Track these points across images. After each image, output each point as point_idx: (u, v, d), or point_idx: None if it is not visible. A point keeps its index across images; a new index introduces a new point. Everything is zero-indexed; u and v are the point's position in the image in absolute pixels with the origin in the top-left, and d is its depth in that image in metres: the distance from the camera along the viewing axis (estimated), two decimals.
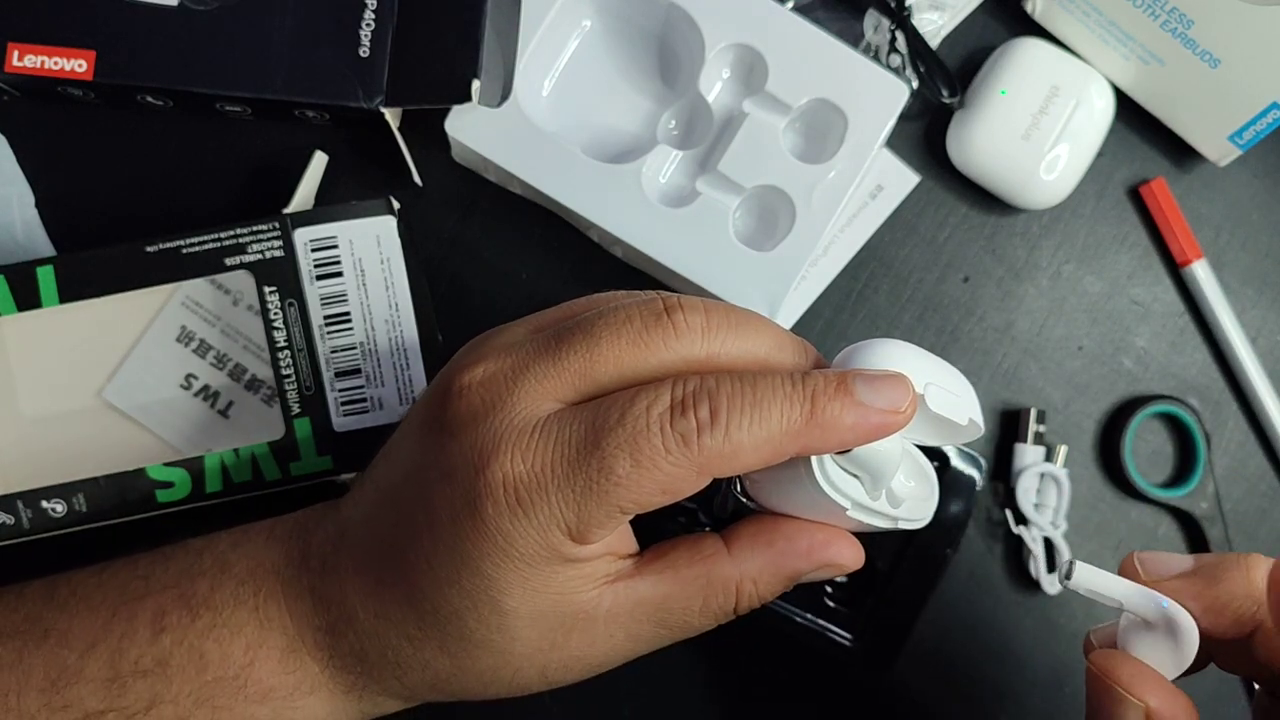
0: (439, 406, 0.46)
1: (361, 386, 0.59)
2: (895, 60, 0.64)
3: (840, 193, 0.61)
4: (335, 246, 0.59)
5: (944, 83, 0.64)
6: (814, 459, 0.44)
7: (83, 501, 0.58)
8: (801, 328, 0.65)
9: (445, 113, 0.60)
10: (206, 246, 0.58)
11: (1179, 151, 0.67)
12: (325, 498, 0.53)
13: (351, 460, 0.59)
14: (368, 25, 0.60)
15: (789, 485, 0.46)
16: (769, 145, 0.61)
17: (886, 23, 0.64)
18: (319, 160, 0.62)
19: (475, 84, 0.57)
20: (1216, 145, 0.64)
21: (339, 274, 0.59)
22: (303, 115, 0.62)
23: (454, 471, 0.44)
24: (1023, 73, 0.64)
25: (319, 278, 0.59)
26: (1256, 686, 0.49)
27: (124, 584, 0.50)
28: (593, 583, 0.46)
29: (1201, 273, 0.66)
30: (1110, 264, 0.67)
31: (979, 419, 0.46)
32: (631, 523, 0.47)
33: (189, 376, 0.59)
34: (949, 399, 0.45)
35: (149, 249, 0.58)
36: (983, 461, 0.59)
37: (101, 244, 0.59)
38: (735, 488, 0.50)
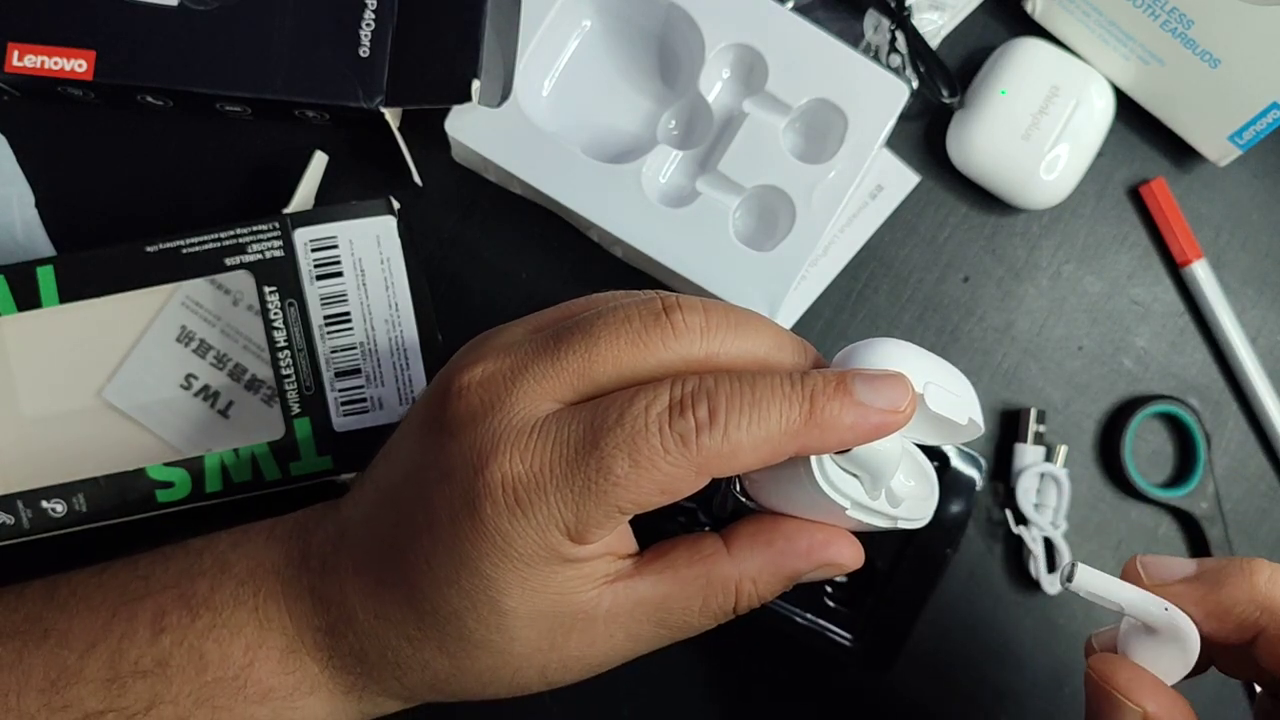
0: (438, 407, 0.46)
1: (361, 386, 0.59)
2: (895, 60, 0.64)
3: (840, 193, 0.61)
4: (335, 246, 0.59)
5: (944, 83, 0.64)
6: (813, 458, 0.44)
7: (83, 501, 0.58)
8: (801, 328, 0.65)
9: (445, 113, 0.60)
10: (206, 246, 0.58)
11: (1179, 151, 0.67)
12: (325, 498, 0.53)
13: (351, 460, 0.59)
14: (368, 25, 0.60)
15: (788, 485, 0.46)
16: (769, 145, 0.61)
17: (886, 23, 0.64)
18: (319, 160, 0.62)
19: (475, 84, 0.57)
20: (1216, 145, 0.64)
21: (339, 274, 0.59)
22: (303, 115, 0.62)
23: (453, 472, 0.44)
24: (1023, 73, 0.64)
25: (319, 278, 0.59)
26: (1258, 690, 0.49)
27: (124, 584, 0.50)
28: (592, 583, 0.46)
29: (1201, 273, 0.66)
30: (1110, 264, 0.67)
31: (979, 418, 0.46)
32: (631, 523, 0.47)
33: (189, 376, 0.59)
34: (948, 398, 0.45)
35: (149, 249, 0.58)
36: (983, 461, 0.59)
37: (101, 244, 0.59)
38: (734, 487, 0.50)
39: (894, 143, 0.66)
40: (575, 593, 0.45)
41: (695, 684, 0.64)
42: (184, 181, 0.64)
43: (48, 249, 0.63)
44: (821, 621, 0.59)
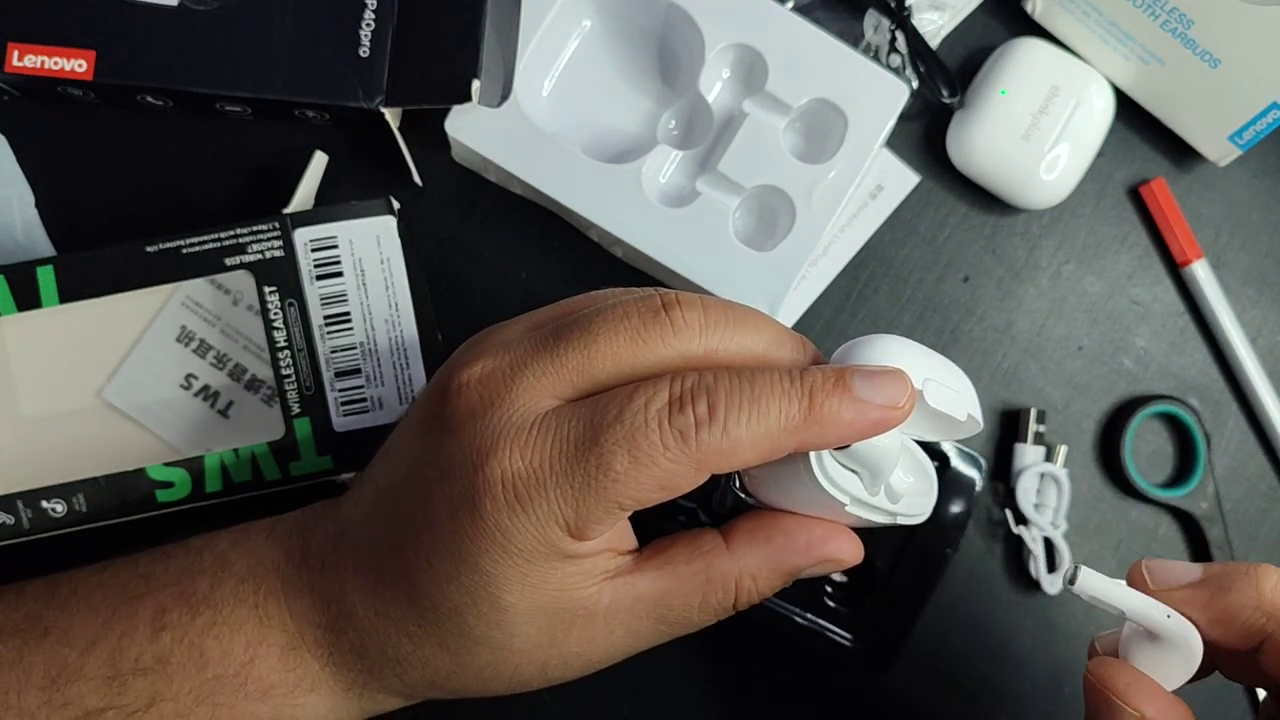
0: (438, 404, 0.46)
1: (361, 386, 0.59)
2: (895, 60, 0.64)
3: (840, 193, 0.61)
4: (335, 246, 0.59)
5: (944, 83, 0.64)
6: (812, 455, 0.44)
7: (83, 501, 0.58)
8: (801, 327, 0.65)
9: (445, 113, 0.60)
10: (206, 246, 0.58)
11: (1179, 151, 0.67)
12: (325, 498, 0.53)
13: (351, 460, 0.59)
14: (368, 25, 0.60)
15: (788, 481, 0.46)
16: (769, 145, 0.61)
17: (886, 23, 0.64)
18: (319, 160, 0.62)
19: (475, 84, 0.57)
20: (1216, 145, 0.64)
21: (339, 274, 0.59)
22: (303, 115, 0.62)
23: (453, 469, 0.44)
24: (1023, 73, 0.64)
25: (319, 278, 0.59)
26: (1261, 695, 0.49)
27: (124, 582, 0.50)
28: (592, 579, 0.46)
29: (1201, 273, 0.66)
30: (1110, 264, 0.67)
31: (978, 414, 0.46)
32: (631, 523, 0.47)
33: (189, 376, 0.59)
34: (947, 394, 0.45)
35: (149, 249, 0.58)
36: (983, 461, 0.59)
37: (101, 244, 0.59)
38: (734, 484, 0.50)
39: (894, 143, 0.66)
40: (575, 589, 0.45)
41: (695, 683, 0.64)
42: (184, 181, 0.64)
43: (48, 249, 0.63)
44: (821, 621, 0.59)
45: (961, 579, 0.65)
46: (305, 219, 0.59)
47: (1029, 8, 0.65)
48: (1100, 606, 0.44)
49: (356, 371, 0.59)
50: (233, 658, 0.48)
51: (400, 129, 0.62)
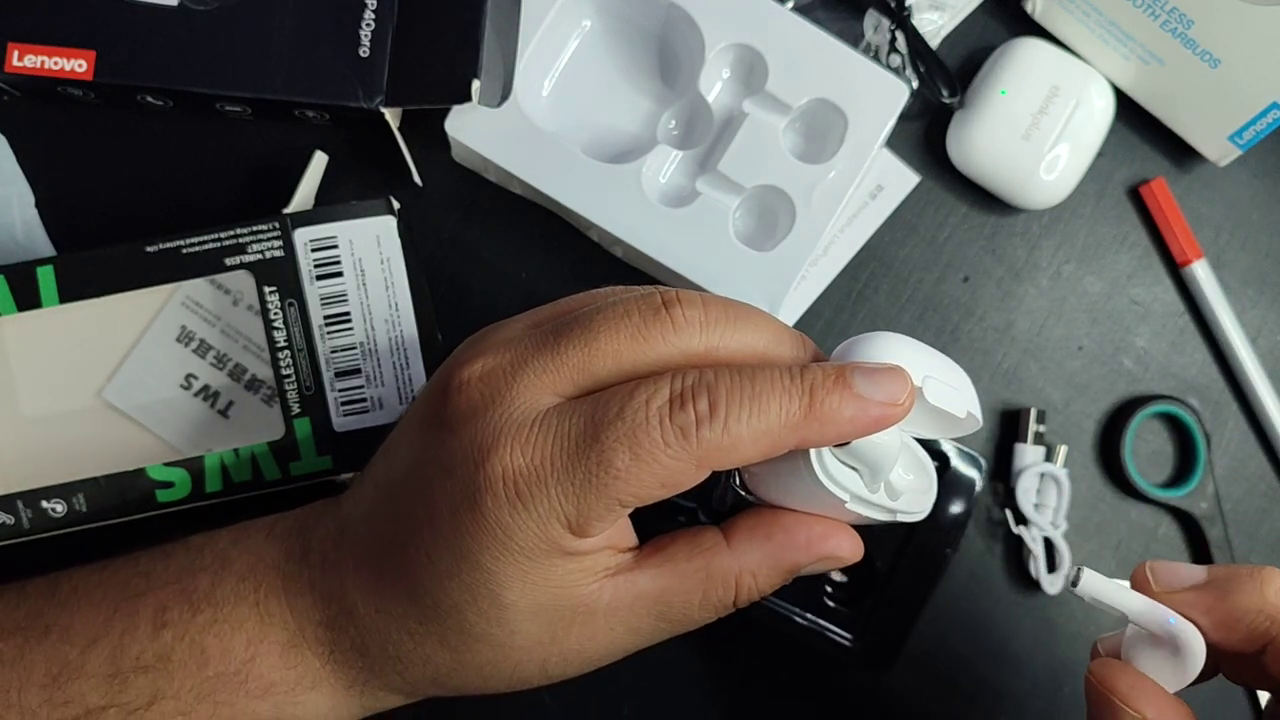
0: (438, 402, 0.46)
1: (361, 386, 0.59)
2: (895, 60, 0.64)
3: (840, 193, 0.61)
4: (335, 246, 0.59)
5: (944, 83, 0.64)
6: (812, 452, 0.44)
7: (83, 501, 0.58)
8: (802, 327, 0.65)
9: (445, 113, 0.60)
10: (206, 246, 0.58)
11: (1179, 151, 0.67)
12: (325, 497, 0.53)
13: (351, 460, 0.59)
14: (368, 25, 0.60)
15: (788, 478, 0.46)
16: (769, 145, 0.61)
17: (886, 23, 0.64)
18: (319, 160, 0.62)
19: (475, 84, 0.57)
20: (1216, 145, 0.64)
21: (339, 274, 0.59)
22: (303, 115, 0.62)
23: (454, 466, 0.44)
24: (1023, 73, 0.64)
25: (319, 278, 0.59)
26: (1263, 697, 0.49)
27: (125, 580, 0.50)
28: (592, 576, 0.46)
29: (1201, 273, 0.66)
30: (1110, 264, 0.67)
31: (977, 412, 0.46)
32: (631, 522, 0.47)
33: (189, 376, 0.59)
34: (947, 392, 0.45)
35: (149, 249, 0.58)
36: (983, 461, 0.59)
37: (101, 244, 0.59)
38: (734, 481, 0.50)
39: (894, 143, 0.66)
40: (575, 586, 0.45)
41: (695, 683, 0.64)
42: (184, 181, 0.64)
43: (48, 249, 0.63)
44: (821, 621, 0.60)
45: (961, 579, 0.65)
46: (305, 219, 0.59)
47: (1029, 8, 0.65)
48: (1103, 609, 0.44)
49: (356, 371, 0.59)
50: (234, 655, 0.48)
51: (400, 129, 0.62)
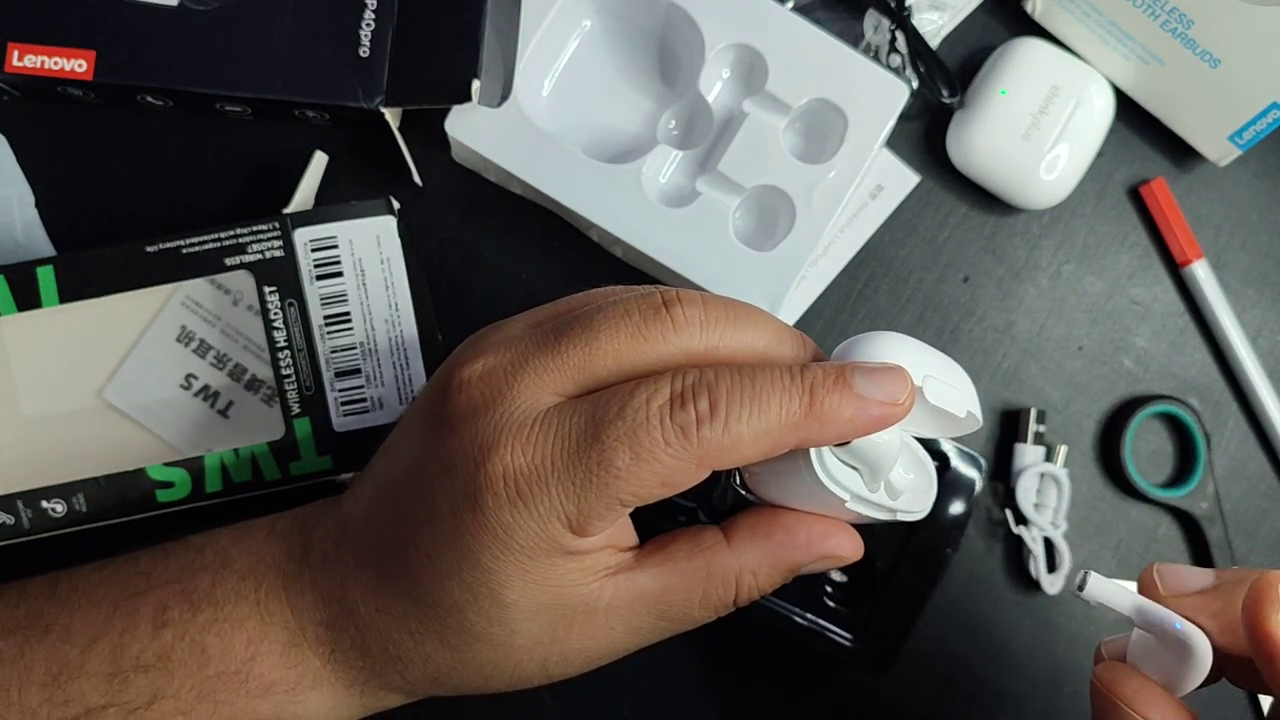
0: (439, 402, 0.47)
1: (361, 386, 0.59)
2: (895, 60, 0.64)
3: (840, 193, 0.61)
4: (335, 246, 0.59)
5: (944, 83, 0.64)
6: (813, 451, 0.45)
7: (83, 501, 0.58)
8: (802, 327, 0.65)
9: (445, 113, 0.60)
10: (206, 246, 0.58)
11: (1179, 151, 0.67)
12: (325, 498, 0.53)
13: (351, 460, 0.59)
14: (368, 25, 0.60)
15: (788, 478, 0.46)
16: (769, 145, 0.61)
17: (886, 23, 0.64)
18: (319, 160, 0.62)
19: (475, 84, 0.57)
20: (1216, 145, 0.64)
21: (339, 274, 0.59)
22: (303, 115, 0.62)
23: (454, 466, 0.44)
24: (1023, 73, 0.64)
25: (319, 278, 0.59)
26: (1265, 702, 0.49)
27: (125, 580, 0.50)
28: (593, 575, 0.46)
29: (1201, 273, 0.66)
30: (1110, 264, 0.67)
31: (977, 411, 0.46)
32: (632, 522, 0.47)
33: (189, 376, 0.59)
34: (947, 391, 0.45)
35: (149, 249, 0.58)
36: (983, 461, 0.59)
37: (101, 244, 0.59)
38: (734, 480, 0.50)
39: (894, 143, 0.66)
40: (576, 585, 0.45)
41: (695, 683, 0.64)
42: (184, 181, 0.64)
43: (48, 249, 0.63)
44: (821, 621, 0.60)
45: (961, 579, 0.65)
46: (305, 219, 0.59)
47: (1029, 8, 0.65)
48: (1108, 612, 0.44)
49: (356, 371, 0.59)
50: (234, 655, 0.48)
51: (400, 129, 0.62)
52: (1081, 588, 0.44)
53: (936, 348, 0.47)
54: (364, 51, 0.60)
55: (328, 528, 0.50)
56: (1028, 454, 0.65)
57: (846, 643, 0.59)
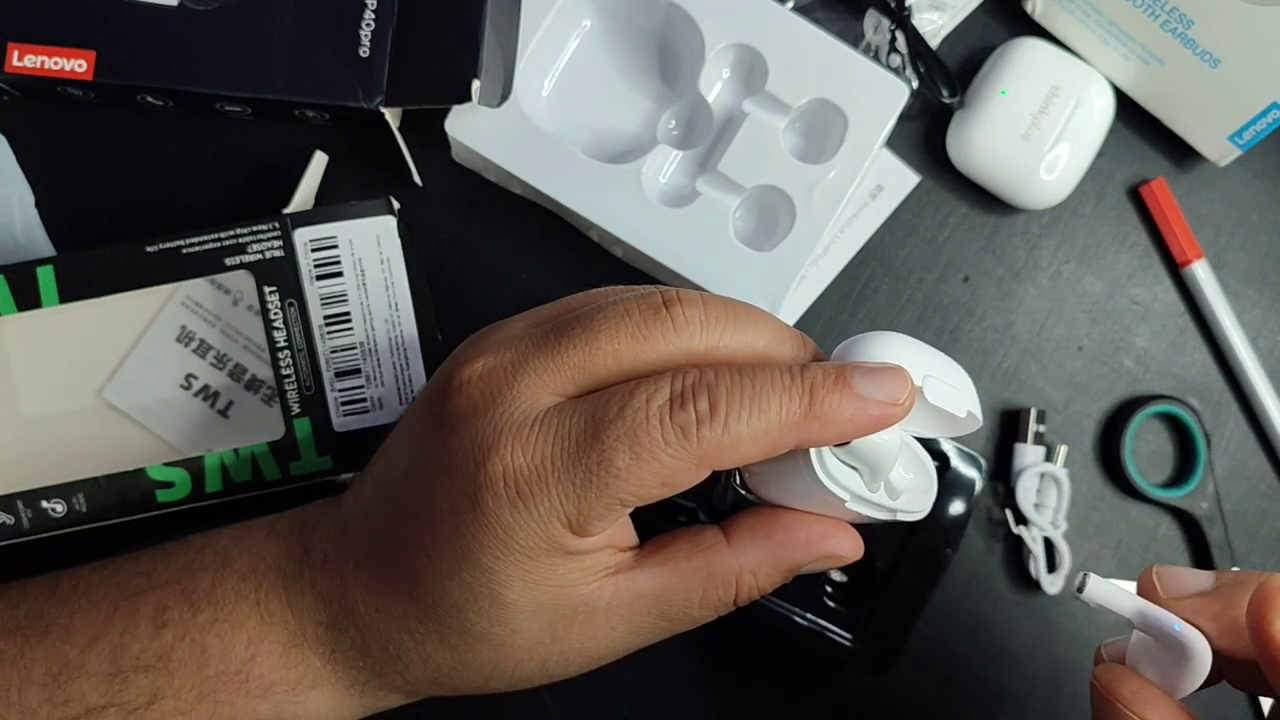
0: (439, 402, 0.47)
1: (361, 386, 0.59)
2: (895, 60, 0.64)
3: (840, 193, 0.61)
4: (335, 246, 0.59)
5: (944, 83, 0.64)
6: (813, 451, 0.44)
7: (83, 501, 0.58)
8: (802, 327, 0.65)
9: (445, 113, 0.60)
10: (206, 246, 0.58)
11: (1179, 151, 0.67)
12: (325, 498, 0.53)
13: (351, 460, 0.59)
14: (368, 25, 0.60)
15: (788, 477, 0.46)
16: (769, 145, 0.61)
17: (886, 23, 0.64)
18: (319, 160, 0.62)
19: (475, 84, 0.57)
20: (1216, 145, 0.64)
21: (339, 274, 0.59)
22: (303, 115, 0.62)
23: (454, 465, 0.44)
24: (1023, 73, 0.64)
25: (319, 278, 0.59)
26: (1265, 704, 0.48)
27: (125, 580, 0.50)
28: (593, 575, 0.46)
29: (1201, 273, 0.66)
30: (1110, 264, 0.67)
31: (977, 411, 0.46)
32: (632, 521, 0.47)
33: (189, 376, 0.59)
34: (947, 391, 0.45)
35: (149, 249, 0.58)
36: (983, 461, 0.59)
37: (101, 244, 0.59)
38: (734, 480, 0.50)
39: (894, 143, 0.66)
40: (576, 585, 0.45)
41: (696, 683, 0.64)
42: (184, 181, 0.64)
43: (48, 249, 0.63)
44: (821, 621, 0.59)
45: (961, 579, 0.65)
46: (305, 219, 0.59)
47: (1029, 8, 0.65)
48: (1108, 615, 0.44)
49: (356, 371, 0.59)
50: (234, 655, 0.48)
51: (400, 129, 0.62)
52: (1081, 590, 0.43)
53: (936, 348, 0.47)
54: (364, 51, 0.60)
55: (328, 528, 0.50)
56: (1028, 454, 0.65)
57: (846, 643, 0.59)
